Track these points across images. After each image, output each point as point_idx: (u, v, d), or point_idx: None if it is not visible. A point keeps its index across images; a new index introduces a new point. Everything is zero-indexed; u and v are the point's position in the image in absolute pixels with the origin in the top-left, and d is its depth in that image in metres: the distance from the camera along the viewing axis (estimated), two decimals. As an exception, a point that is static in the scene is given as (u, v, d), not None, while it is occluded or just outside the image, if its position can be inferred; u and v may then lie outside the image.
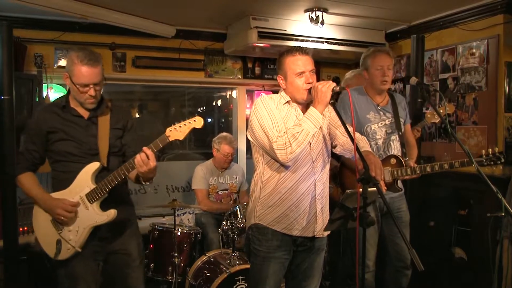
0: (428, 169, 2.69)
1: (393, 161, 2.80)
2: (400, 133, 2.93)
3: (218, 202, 4.14)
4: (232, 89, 5.18)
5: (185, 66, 4.52)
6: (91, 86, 2.18)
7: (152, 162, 2.06)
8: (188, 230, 3.56)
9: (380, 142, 2.88)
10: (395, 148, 2.90)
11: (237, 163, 4.81)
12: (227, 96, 5.41)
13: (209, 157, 4.28)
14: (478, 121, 3.76)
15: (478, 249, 3.48)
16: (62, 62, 4.03)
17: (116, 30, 3.97)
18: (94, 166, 2.22)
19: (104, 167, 2.25)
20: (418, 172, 2.72)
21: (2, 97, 3.07)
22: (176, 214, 3.55)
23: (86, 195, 2.21)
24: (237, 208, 3.45)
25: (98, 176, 2.23)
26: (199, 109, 5.57)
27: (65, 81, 2.23)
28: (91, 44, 4.04)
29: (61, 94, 4.10)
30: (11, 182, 3.09)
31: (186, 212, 4.08)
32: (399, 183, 2.85)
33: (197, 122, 2.05)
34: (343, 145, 2.32)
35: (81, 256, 2.25)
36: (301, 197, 2.23)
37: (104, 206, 2.24)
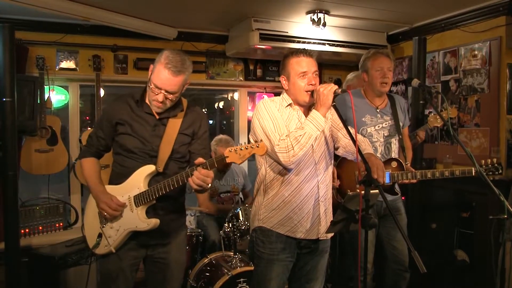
0: (429, 175, 2.68)
1: (394, 164, 2.79)
2: (400, 136, 2.91)
3: (220, 204, 4.11)
4: (233, 91, 5.17)
5: (186, 68, 4.48)
6: (163, 91, 2.06)
7: (205, 183, 1.97)
8: (190, 232, 3.52)
9: (377, 145, 2.87)
10: (393, 151, 2.89)
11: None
12: (229, 98, 5.37)
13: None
14: (480, 123, 3.73)
15: (481, 251, 3.46)
16: (64, 64, 4.02)
17: (118, 32, 3.96)
18: (149, 169, 2.15)
19: (160, 172, 2.15)
20: (418, 177, 2.71)
21: (4, 99, 3.07)
22: (177, 216, 3.53)
23: (134, 196, 2.16)
24: (238, 210, 3.44)
25: (153, 180, 2.16)
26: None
27: (149, 73, 2.13)
28: (93, 46, 4.06)
29: (62, 97, 4.12)
30: (13, 183, 3.09)
31: (187, 214, 4.04)
32: (397, 187, 2.85)
33: (260, 148, 1.90)
34: (345, 147, 2.32)
35: (116, 256, 2.21)
36: (304, 200, 2.23)
37: (152, 212, 2.17)
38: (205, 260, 3.40)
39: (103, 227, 2.24)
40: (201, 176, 1.96)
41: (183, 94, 2.25)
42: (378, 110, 2.90)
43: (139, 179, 2.15)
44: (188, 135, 2.24)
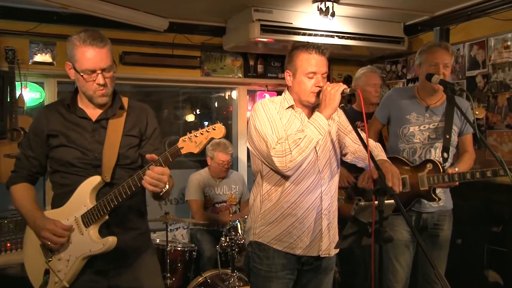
0: (468, 176, 2.61)
1: (429, 166, 2.75)
2: (450, 147, 2.82)
3: (215, 214, 4.11)
4: (231, 89, 5.16)
5: (179, 63, 4.47)
6: (98, 72, 1.97)
7: (162, 182, 1.86)
8: (182, 248, 3.52)
9: (417, 146, 2.85)
10: (437, 157, 2.82)
11: (237, 171, 4.80)
12: (226, 97, 5.42)
13: (206, 165, 4.24)
14: (513, 125, 3.68)
15: (516, 272, 3.38)
16: (39, 58, 3.98)
17: (101, 22, 3.88)
18: (93, 180, 2.03)
19: (107, 182, 2.04)
20: (456, 179, 2.64)
21: (-33, 96, 3.02)
22: (168, 230, 3.52)
23: (81, 216, 2.02)
24: (237, 222, 3.42)
25: (100, 193, 2.04)
26: (194, 112, 5.54)
27: (69, 74, 2.05)
28: (71, 37, 4.01)
29: (37, 95, 4.08)
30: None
31: (180, 227, 4.14)
32: (438, 192, 2.76)
33: (217, 131, 1.83)
34: (355, 153, 2.30)
35: None
36: (305, 213, 2.21)
37: (106, 232, 2.04)
38: (200, 279, 3.35)
39: (49, 261, 2.08)
40: (155, 174, 1.84)
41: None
42: (428, 109, 2.86)
43: (84, 195, 2.02)
44: (135, 136, 2.14)
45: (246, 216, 3.46)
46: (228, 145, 4.09)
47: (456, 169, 2.72)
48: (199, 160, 4.67)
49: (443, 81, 2.63)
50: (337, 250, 2.31)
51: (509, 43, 3.67)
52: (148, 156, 1.90)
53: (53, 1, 3.45)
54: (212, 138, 1.84)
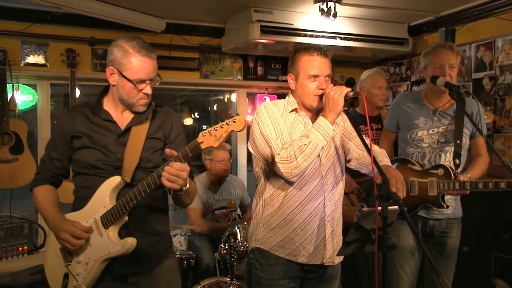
0: (481, 186, 2.58)
1: (440, 171, 2.72)
2: (461, 151, 2.78)
3: (214, 222, 4.08)
4: (230, 91, 5.15)
5: (177, 65, 4.48)
6: (148, 82, 2.04)
7: (180, 179, 1.85)
8: (180, 255, 3.50)
9: (426, 150, 2.84)
10: (447, 161, 2.80)
11: (237, 175, 4.78)
12: (225, 100, 5.41)
13: (204, 170, 4.21)
14: (521, 128, 3.64)
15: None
16: (31, 59, 3.97)
17: (96, 22, 3.91)
18: (114, 181, 2.04)
19: (128, 183, 2.05)
20: (468, 188, 2.61)
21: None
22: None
23: (101, 217, 2.04)
24: (236, 229, 3.40)
25: (121, 194, 2.05)
26: (192, 115, 5.52)
27: (109, 78, 2.07)
28: (66, 38, 4.01)
29: (29, 97, 4.07)
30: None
31: (177, 234, 4.04)
32: (447, 199, 2.74)
33: (237, 123, 1.80)
34: (358, 159, 2.30)
35: None
36: (308, 219, 2.21)
37: (125, 234, 2.04)
38: (198, 287, 3.32)
39: (69, 264, 2.08)
40: (174, 170, 1.83)
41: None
42: (436, 113, 2.84)
43: (104, 196, 2.03)
44: (159, 139, 2.15)
45: (246, 223, 3.50)
46: (225, 144, 4.05)
47: (469, 175, 2.69)
48: (197, 165, 4.65)
49: (448, 83, 2.62)
50: (341, 258, 2.31)
51: (517, 44, 3.65)
52: (167, 151, 1.89)
53: (46, 0, 3.44)
54: (232, 131, 1.82)
